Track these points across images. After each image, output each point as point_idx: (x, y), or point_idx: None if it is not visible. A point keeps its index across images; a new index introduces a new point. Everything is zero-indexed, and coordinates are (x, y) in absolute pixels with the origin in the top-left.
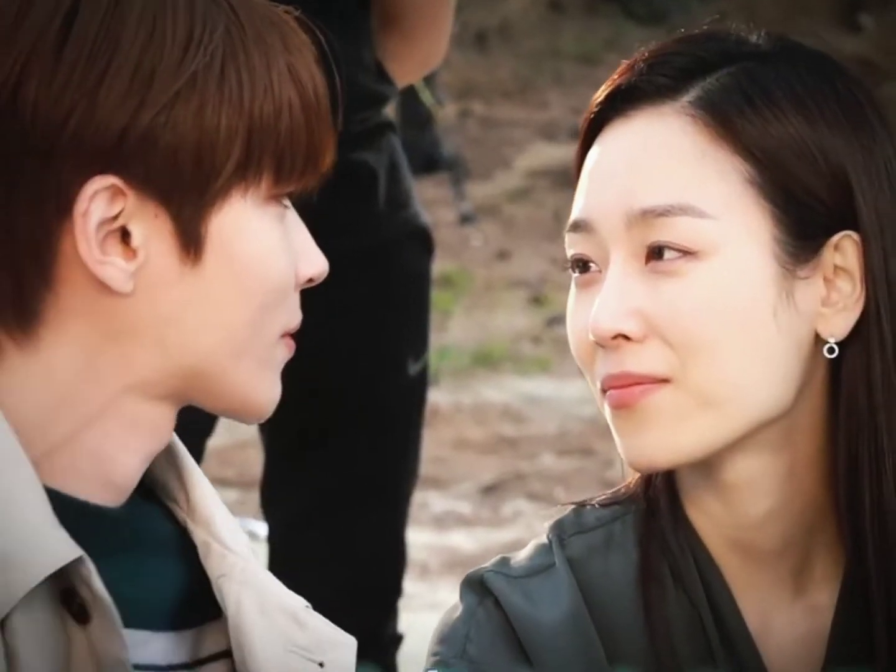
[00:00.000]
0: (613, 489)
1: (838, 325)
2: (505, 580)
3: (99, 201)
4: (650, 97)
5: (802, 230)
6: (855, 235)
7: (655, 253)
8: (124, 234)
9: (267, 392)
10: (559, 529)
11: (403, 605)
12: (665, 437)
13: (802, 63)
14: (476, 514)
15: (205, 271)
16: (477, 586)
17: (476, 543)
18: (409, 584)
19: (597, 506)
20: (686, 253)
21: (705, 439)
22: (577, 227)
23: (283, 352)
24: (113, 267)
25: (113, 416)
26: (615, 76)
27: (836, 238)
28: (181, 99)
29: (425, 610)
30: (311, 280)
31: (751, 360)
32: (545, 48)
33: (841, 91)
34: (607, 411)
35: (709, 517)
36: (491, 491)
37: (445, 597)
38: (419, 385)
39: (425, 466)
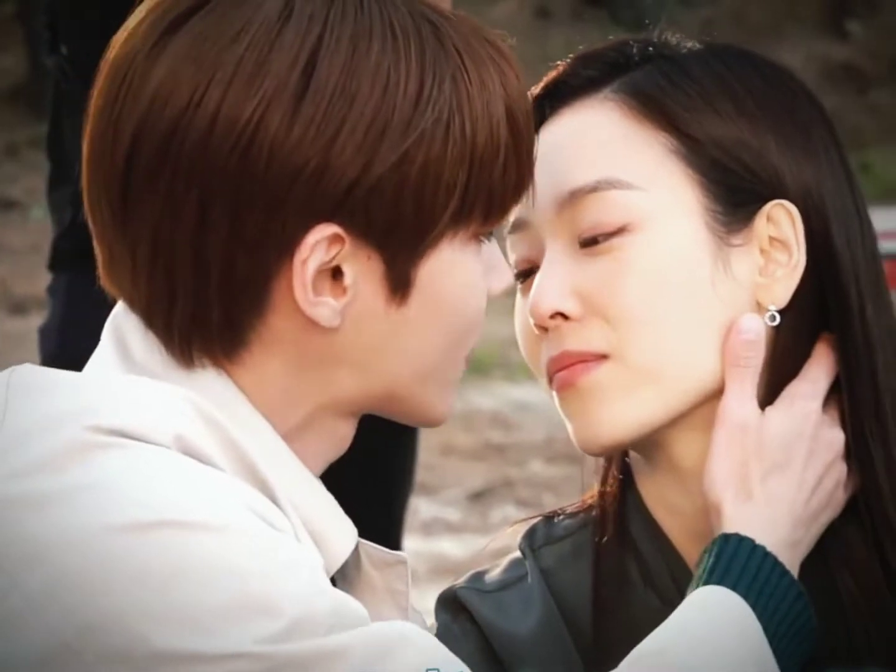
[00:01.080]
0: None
1: (778, 293)
2: (478, 595)
3: (319, 249)
4: (577, 92)
5: (732, 198)
6: (787, 204)
7: (588, 234)
8: (335, 272)
9: (447, 406)
10: (530, 541)
11: None
12: (611, 413)
13: (727, 53)
14: (464, 520)
15: (409, 309)
16: (451, 603)
17: (464, 550)
18: None
19: (564, 516)
20: (618, 229)
21: (651, 413)
22: (514, 227)
23: (464, 368)
24: (324, 307)
25: (311, 429)
26: (546, 78)
27: (768, 207)
28: (409, 155)
29: None
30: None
31: (691, 332)
32: (533, 54)
33: (766, 71)
34: (555, 398)
35: (672, 511)
36: (479, 497)
37: (433, 603)
38: None
39: (416, 471)
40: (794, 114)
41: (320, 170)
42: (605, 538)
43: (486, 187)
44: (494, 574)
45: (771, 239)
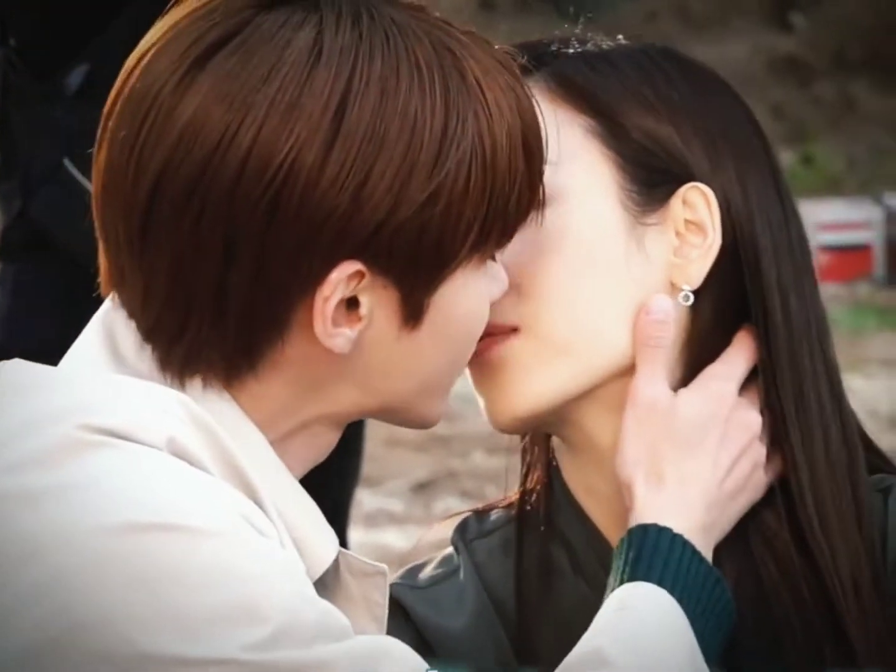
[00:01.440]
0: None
1: (692, 273)
2: (411, 591)
3: (341, 286)
4: None
5: (648, 178)
6: (703, 187)
7: None
8: (350, 301)
9: (440, 411)
10: (462, 535)
11: None
12: (521, 386)
13: (649, 47)
14: (408, 512)
15: (419, 333)
16: None
17: (408, 541)
18: None
19: (495, 509)
20: None
21: (561, 385)
22: None
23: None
24: (340, 337)
25: (300, 436)
26: None
27: (683, 189)
28: (434, 196)
29: None
30: None
31: (602, 306)
32: None
33: (687, 65)
34: (469, 376)
35: (595, 495)
36: (423, 489)
37: None
38: None
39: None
40: (714, 104)
41: (350, 213)
42: (530, 529)
43: (502, 215)
44: (427, 570)
45: (686, 222)
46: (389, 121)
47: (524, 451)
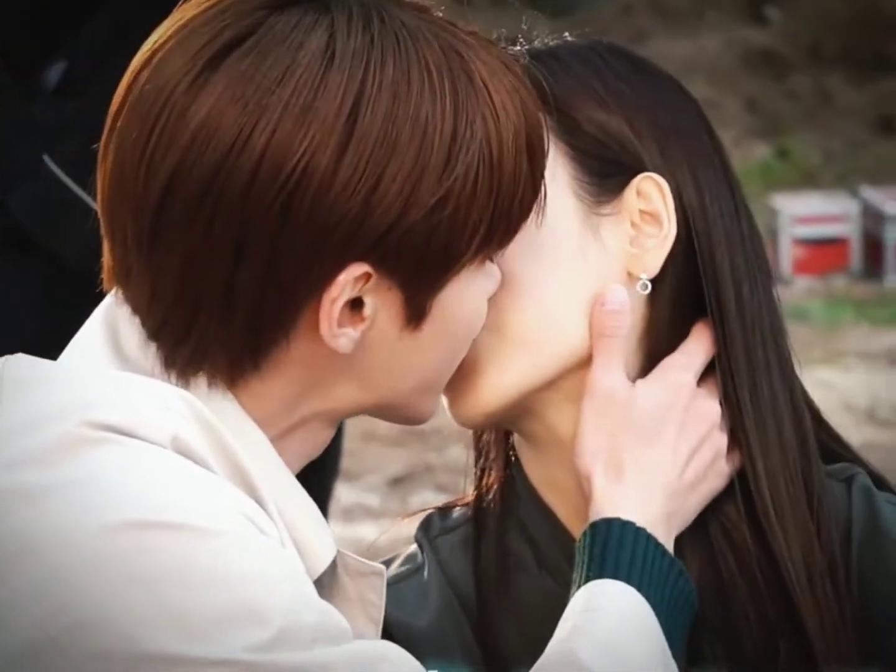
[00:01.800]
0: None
1: (649, 263)
2: None
3: (349, 287)
4: None
5: (600, 169)
6: (656, 177)
7: None
8: (355, 301)
9: (435, 408)
10: (426, 532)
11: None
12: (484, 380)
13: (601, 45)
14: (384, 506)
15: (421, 333)
16: None
17: (384, 535)
18: None
19: (459, 505)
20: None
21: (524, 378)
22: None
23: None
24: (344, 337)
25: (299, 433)
26: None
27: (637, 180)
28: (443, 200)
29: None
30: None
31: (560, 297)
32: None
33: (639, 63)
34: None
35: (558, 489)
36: (399, 483)
37: None
38: None
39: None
40: (664, 99)
41: (361, 216)
42: (489, 526)
43: (507, 216)
44: (392, 567)
45: (641, 212)
46: (401, 125)
47: (478, 450)
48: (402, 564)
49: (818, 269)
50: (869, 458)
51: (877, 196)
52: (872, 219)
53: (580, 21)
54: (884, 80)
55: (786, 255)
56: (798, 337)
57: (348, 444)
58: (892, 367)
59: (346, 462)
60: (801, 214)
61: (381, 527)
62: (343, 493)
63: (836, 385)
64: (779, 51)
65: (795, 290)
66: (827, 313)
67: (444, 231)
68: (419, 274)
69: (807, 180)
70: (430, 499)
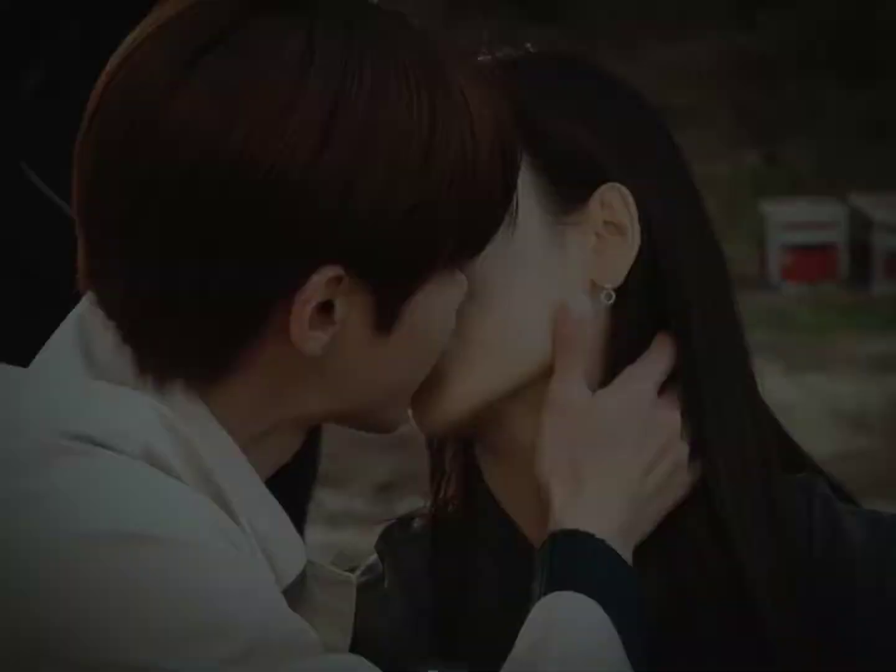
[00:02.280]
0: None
1: (613, 272)
2: None
3: (321, 289)
4: None
5: (563, 178)
6: (620, 186)
7: None
8: (325, 304)
9: (403, 417)
10: (386, 542)
11: None
12: (449, 388)
13: (557, 52)
14: (370, 512)
15: (391, 339)
16: None
17: (371, 542)
18: None
19: (419, 516)
20: None
21: (489, 386)
22: None
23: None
24: (314, 340)
25: (268, 440)
26: None
27: (601, 190)
28: (418, 207)
29: None
30: None
31: (524, 305)
32: None
33: (593, 67)
34: None
35: (522, 501)
36: (386, 489)
37: None
38: None
39: (320, 464)
40: (628, 110)
41: (336, 219)
42: (449, 537)
43: (479, 224)
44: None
45: (606, 222)
46: (378, 129)
47: (434, 462)
48: (362, 575)
49: (807, 276)
50: (856, 464)
51: (866, 202)
52: (861, 225)
53: (568, 26)
54: (874, 86)
55: (774, 261)
56: (786, 343)
57: (335, 449)
58: (880, 374)
59: (333, 468)
60: (790, 220)
61: (367, 533)
62: (329, 499)
63: (823, 392)
64: (769, 55)
65: (784, 296)
66: (815, 319)
67: (419, 236)
68: (391, 279)
69: (798, 187)
70: (416, 505)
